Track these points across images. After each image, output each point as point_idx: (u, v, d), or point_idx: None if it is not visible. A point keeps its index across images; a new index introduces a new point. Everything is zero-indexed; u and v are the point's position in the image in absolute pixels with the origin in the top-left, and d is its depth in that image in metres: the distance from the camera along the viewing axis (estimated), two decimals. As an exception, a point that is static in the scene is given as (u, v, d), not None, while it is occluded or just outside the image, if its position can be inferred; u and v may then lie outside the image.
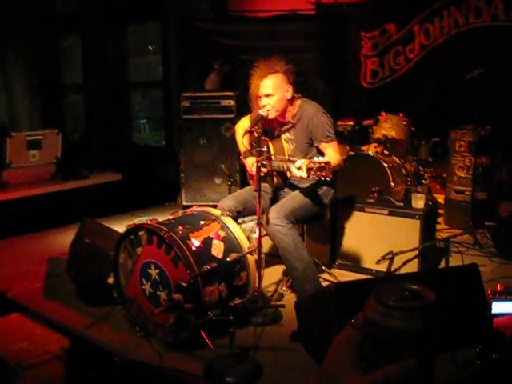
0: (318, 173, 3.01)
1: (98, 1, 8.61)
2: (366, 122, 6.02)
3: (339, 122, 6.00)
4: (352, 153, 5.54)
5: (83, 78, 9.27)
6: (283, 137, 3.75)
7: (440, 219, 5.47)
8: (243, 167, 4.01)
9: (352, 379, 0.75)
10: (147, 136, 10.02)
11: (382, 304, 0.79)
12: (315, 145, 3.65)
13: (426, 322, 0.77)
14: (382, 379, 0.73)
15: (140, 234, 3.16)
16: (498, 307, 2.56)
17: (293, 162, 3.24)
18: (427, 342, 0.77)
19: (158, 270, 3.07)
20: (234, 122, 6.01)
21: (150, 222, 3.19)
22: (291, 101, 3.68)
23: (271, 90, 3.58)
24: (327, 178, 3.04)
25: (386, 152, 5.53)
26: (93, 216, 4.38)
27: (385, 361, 0.75)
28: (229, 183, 5.06)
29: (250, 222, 4.30)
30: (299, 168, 3.11)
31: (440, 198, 5.87)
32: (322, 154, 3.55)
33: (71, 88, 9.83)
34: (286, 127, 3.74)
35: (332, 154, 3.52)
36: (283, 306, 3.21)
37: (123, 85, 8.86)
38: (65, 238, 5.13)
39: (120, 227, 4.41)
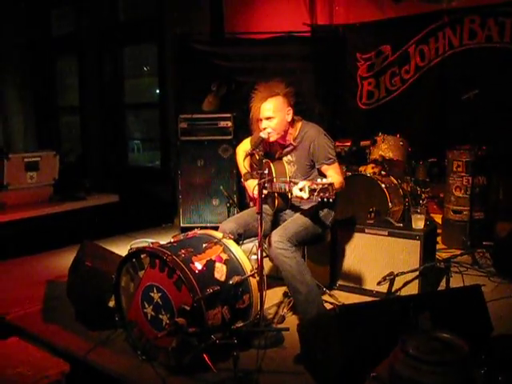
0: (321, 194, 3.01)
1: (95, 22, 8.67)
2: (363, 143, 6.05)
3: (337, 143, 6.03)
4: (349, 173, 5.57)
5: (79, 99, 9.31)
6: (285, 159, 3.76)
7: (438, 239, 5.47)
8: (242, 189, 4.01)
9: None
10: (142, 157, 10.03)
11: (411, 357, 0.74)
12: (317, 167, 3.67)
13: (461, 377, 0.72)
14: None
15: (142, 257, 3.15)
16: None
17: (295, 183, 3.25)
18: None
19: (160, 294, 3.06)
20: (232, 143, 6.08)
21: (152, 245, 3.18)
22: (292, 123, 3.70)
23: (272, 113, 3.59)
24: (330, 200, 3.05)
25: (383, 172, 5.57)
26: (90, 238, 4.37)
27: None
28: (228, 205, 5.06)
29: (249, 244, 4.31)
30: (301, 189, 3.11)
31: (437, 218, 5.90)
32: (323, 175, 3.57)
33: (67, 109, 9.86)
34: (287, 149, 3.76)
35: (334, 175, 3.53)
36: (288, 329, 3.20)
37: (119, 106, 8.90)
38: (62, 261, 5.13)
39: (118, 249, 4.41)
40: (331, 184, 3.01)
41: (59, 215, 6.34)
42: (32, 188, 6.42)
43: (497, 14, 5.74)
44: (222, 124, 6.23)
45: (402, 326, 2.72)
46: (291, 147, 3.73)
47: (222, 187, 4.92)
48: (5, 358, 3.10)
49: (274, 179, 3.58)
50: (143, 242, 4.67)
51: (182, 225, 6.27)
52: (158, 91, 8.58)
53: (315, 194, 3.01)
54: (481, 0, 5.85)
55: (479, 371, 2.65)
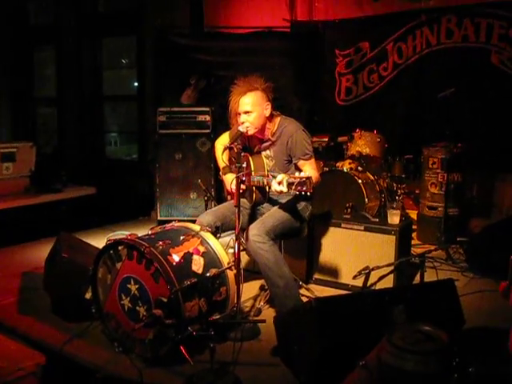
0: (299, 187, 3.04)
1: (74, 13, 8.59)
2: (340, 139, 6.10)
3: (314, 139, 6.03)
4: (326, 169, 5.62)
5: (56, 90, 9.21)
6: (263, 153, 3.79)
7: (413, 234, 5.55)
8: (220, 183, 4.03)
9: None
10: (119, 150, 9.98)
11: (397, 347, 0.79)
12: (294, 162, 3.69)
13: (441, 365, 0.77)
14: None
15: (120, 248, 3.15)
16: None
17: (273, 176, 3.28)
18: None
19: (137, 285, 3.06)
20: (210, 137, 6.09)
21: (129, 237, 3.18)
22: (270, 118, 3.72)
23: (250, 107, 3.61)
24: (308, 193, 3.08)
25: (360, 168, 5.62)
26: (66, 230, 4.34)
27: None
28: (205, 198, 5.06)
29: (226, 237, 4.32)
30: (280, 182, 3.14)
31: (413, 214, 5.98)
32: (299, 171, 3.59)
33: (43, 100, 9.75)
34: (265, 144, 3.78)
35: (310, 171, 3.56)
36: (264, 321, 3.23)
37: (97, 98, 8.84)
38: (39, 252, 5.10)
39: (94, 241, 4.39)
40: (309, 178, 3.04)
41: (35, 207, 6.29)
42: (8, 179, 6.35)
43: (473, 15, 5.83)
44: (201, 118, 6.23)
45: (377, 318, 2.77)
46: (269, 142, 3.75)
47: (199, 181, 4.91)
48: (-21, 351, 3.08)
49: (253, 173, 3.60)
50: (120, 234, 4.64)
51: (159, 218, 6.27)
52: (136, 84, 8.54)
53: (293, 187, 3.04)
54: (458, 0, 5.93)
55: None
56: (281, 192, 3.16)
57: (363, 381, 0.76)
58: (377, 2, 6.45)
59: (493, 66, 5.77)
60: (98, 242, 4.57)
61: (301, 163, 3.66)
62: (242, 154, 3.58)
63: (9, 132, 9.22)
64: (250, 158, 3.68)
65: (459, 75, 5.82)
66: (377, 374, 0.75)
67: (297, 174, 3.12)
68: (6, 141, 7.42)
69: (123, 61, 9.58)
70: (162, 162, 6.30)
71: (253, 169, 3.63)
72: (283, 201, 3.76)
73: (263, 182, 3.49)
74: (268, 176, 3.52)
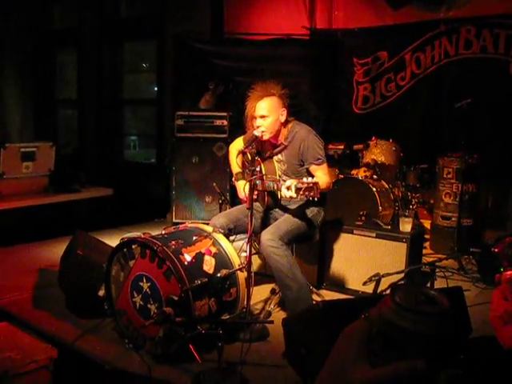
0: (307, 193, 3.10)
1: (96, 17, 8.72)
2: (356, 147, 6.13)
3: (330, 146, 6.11)
4: (341, 176, 5.64)
5: (77, 92, 9.35)
6: (275, 158, 3.83)
7: (426, 244, 5.56)
8: (234, 187, 4.08)
9: (360, 369, 0.78)
10: (137, 153, 10.08)
11: (398, 305, 0.82)
12: (305, 166, 3.74)
13: (438, 328, 0.80)
14: (390, 374, 0.76)
15: (133, 247, 3.21)
16: None
17: (283, 181, 3.32)
18: (437, 347, 0.80)
19: (149, 284, 3.12)
20: (227, 141, 6.13)
21: (143, 236, 3.24)
22: (285, 123, 3.77)
23: (266, 112, 3.66)
24: (315, 198, 3.13)
25: (375, 176, 5.64)
26: (83, 229, 4.41)
27: (394, 358, 0.79)
28: (220, 201, 5.12)
29: (239, 242, 4.38)
30: (288, 188, 3.18)
31: (426, 224, 5.98)
32: (312, 175, 3.63)
33: (65, 102, 9.90)
34: (278, 149, 3.83)
35: (321, 176, 3.60)
36: (272, 322, 3.26)
37: (117, 101, 8.95)
38: (55, 250, 5.17)
39: (109, 241, 4.45)
40: (316, 183, 3.09)
41: (53, 206, 6.38)
42: (27, 178, 6.45)
43: (492, 26, 5.83)
44: (218, 122, 6.29)
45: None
46: (282, 146, 3.80)
47: (214, 184, 4.98)
48: (-6, 343, 3.14)
49: (264, 177, 3.65)
50: (135, 235, 4.70)
51: (174, 220, 6.32)
52: (155, 88, 8.64)
53: (300, 192, 3.09)
54: (477, 11, 5.93)
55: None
56: (290, 197, 3.21)
57: (363, 332, 0.80)
58: (396, 12, 6.47)
59: (511, 77, 5.76)
60: (113, 242, 4.60)
61: (313, 168, 3.70)
62: (256, 159, 3.63)
63: (32, 133, 9.36)
64: (262, 164, 3.73)
65: (477, 86, 5.82)
66: (376, 327, 0.79)
67: (304, 179, 3.17)
68: (27, 140, 7.51)
69: (143, 65, 9.69)
70: (178, 165, 6.37)
71: (264, 173, 3.67)
72: (294, 206, 3.80)
73: (274, 187, 3.54)
74: (278, 181, 3.56)
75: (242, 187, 3.61)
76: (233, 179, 4.02)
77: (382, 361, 0.79)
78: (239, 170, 3.91)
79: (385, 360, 0.79)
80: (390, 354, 0.79)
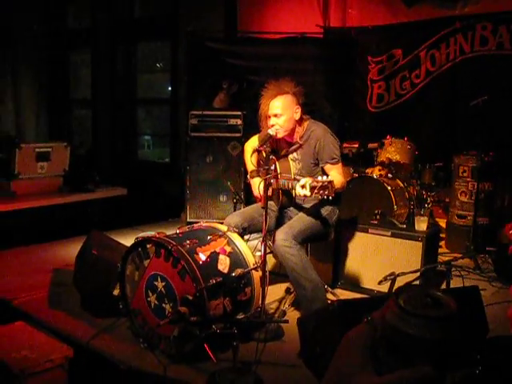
0: (321, 191, 3.08)
1: (110, 17, 8.76)
2: (370, 145, 6.09)
3: (345, 145, 6.08)
4: (356, 175, 5.61)
5: (92, 93, 9.39)
6: (290, 156, 3.82)
7: (441, 243, 5.51)
8: (249, 186, 4.07)
9: (365, 377, 0.76)
10: (152, 153, 10.11)
11: (402, 309, 0.79)
12: (321, 165, 3.71)
13: (445, 333, 0.77)
14: (397, 382, 0.74)
15: (148, 246, 3.21)
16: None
17: (297, 180, 3.31)
18: (444, 352, 0.77)
19: (164, 283, 3.12)
20: (241, 140, 6.13)
21: (158, 235, 3.25)
22: (299, 122, 3.75)
23: (280, 110, 3.65)
24: (330, 197, 3.11)
25: (389, 175, 5.60)
26: (97, 229, 4.43)
27: (399, 365, 0.76)
28: (234, 201, 5.12)
29: (254, 241, 4.36)
30: (303, 186, 3.16)
31: (442, 223, 5.94)
32: (326, 174, 3.60)
33: (79, 102, 9.95)
34: (293, 147, 3.81)
35: (336, 175, 3.57)
36: (287, 321, 3.25)
37: (130, 101, 8.98)
38: (70, 250, 5.20)
39: (124, 241, 4.46)
40: (331, 182, 3.08)
41: (68, 206, 6.42)
42: (42, 178, 6.49)
43: (509, 22, 5.76)
44: (232, 121, 6.29)
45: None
46: (297, 145, 3.78)
47: (229, 183, 4.98)
48: (11, 342, 3.15)
49: (279, 176, 3.64)
50: (149, 234, 4.71)
51: (188, 219, 6.33)
52: (169, 87, 8.66)
53: (315, 191, 3.07)
54: (493, 7, 5.87)
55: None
56: (305, 196, 3.19)
57: (366, 336, 0.77)
58: (411, 9, 6.42)
59: (527, 74, 5.70)
60: (128, 241, 4.61)
61: (328, 167, 3.67)
62: (270, 157, 3.62)
63: (46, 133, 9.42)
64: (277, 162, 3.72)
65: (493, 83, 5.75)
66: (380, 332, 0.76)
67: (319, 177, 3.15)
68: (41, 141, 7.56)
69: (157, 65, 9.72)
70: (192, 164, 6.37)
71: (279, 172, 3.66)
72: (309, 205, 3.78)
73: (288, 186, 3.52)
74: (293, 179, 3.54)
75: (257, 185, 3.60)
76: (248, 177, 4.01)
77: (387, 367, 0.77)
78: (254, 168, 3.89)
79: (389, 366, 0.76)
80: (394, 360, 0.77)
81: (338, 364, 0.80)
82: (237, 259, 3.31)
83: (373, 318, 0.83)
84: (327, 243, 4.27)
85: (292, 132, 3.76)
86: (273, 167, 3.46)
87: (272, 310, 3.89)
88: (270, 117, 3.69)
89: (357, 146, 6.16)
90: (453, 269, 4.04)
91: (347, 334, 0.82)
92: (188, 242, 3.18)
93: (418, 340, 0.77)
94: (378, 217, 4.78)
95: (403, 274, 3.84)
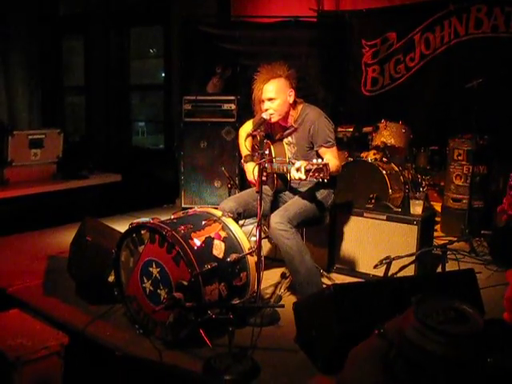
0: (316, 174, 3.07)
1: (102, 3, 8.67)
2: (365, 129, 6.07)
3: (339, 129, 6.06)
4: (351, 159, 5.60)
5: (85, 79, 9.32)
6: (285, 140, 3.80)
7: (437, 227, 5.52)
8: (243, 171, 4.05)
9: None
10: (146, 139, 10.07)
11: (422, 323, 0.73)
12: (315, 149, 3.69)
13: (469, 352, 0.70)
14: None
15: (142, 232, 3.20)
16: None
17: (292, 163, 3.29)
18: (467, 374, 0.69)
19: (159, 269, 3.11)
20: (235, 125, 6.11)
21: (152, 221, 3.23)
22: (293, 105, 3.73)
23: (274, 94, 3.62)
24: (325, 180, 3.10)
25: (384, 159, 5.59)
26: (92, 216, 4.41)
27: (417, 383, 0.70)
28: (229, 186, 5.09)
29: (249, 226, 4.35)
30: (298, 169, 3.15)
31: (437, 206, 5.93)
32: (321, 158, 3.59)
33: (72, 89, 9.87)
34: (287, 131, 3.79)
35: (331, 159, 3.54)
36: (283, 306, 3.24)
37: (124, 87, 8.92)
38: (64, 237, 5.19)
39: (119, 227, 4.45)
40: (326, 165, 3.06)
41: (62, 193, 6.40)
42: (36, 165, 6.46)
43: (503, 3, 5.72)
44: (226, 106, 6.26)
45: (395, 306, 2.76)
46: (292, 129, 3.76)
47: (223, 168, 4.96)
48: (6, 329, 3.14)
49: (274, 160, 3.62)
50: (144, 220, 4.70)
51: (183, 205, 6.32)
52: (163, 73, 8.60)
53: (310, 173, 3.06)
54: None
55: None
56: (300, 179, 3.18)
57: (378, 350, 0.71)
58: (404, -8, 6.39)
59: (523, 56, 5.67)
60: (123, 227, 4.58)
61: (322, 150, 3.65)
62: (265, 141, 3.59)
63: (39, 120, 9.35)
64: (272, 146, 3.70)
65: (488, 66, 5.72)
66: (396, 349, 0.69)
67: (314, 160, 3.14)
68: (34, 128, 7.51)
69: (150, 50, 9.65)
70: (186, 149, 6.36)
71: (274, 156, 3.65)
72: (304, 188, 3.77)
73: (283, 169, 3.51)
74: (288, 163, 3.53)
75: (251, 169, 3.58)
76: (241, 161, 3.99)
77: None
78: (248, 152, 3.87)
79: None
80: (413, 379, 0.70)
81: (347, 376, 0.76)
82: (232, 244, 3.30)
83: (386, 331, 0.77)
84: (322, 227, 4.26)
85: (286, 116, 3.73)
86: (267, 151, 3.43)
87: (268, 295, 3.89)
88: (263, 101, 3.66)
89: (351, 129, 6.14)
90: (448, 252, 4.04)
91: (356, 348, 0.78)
92: (182, 227, 3.16)
93: (442, 360, 0.70)
94: (373, 201, 4.77)
95: (399, 257, 3.84)
